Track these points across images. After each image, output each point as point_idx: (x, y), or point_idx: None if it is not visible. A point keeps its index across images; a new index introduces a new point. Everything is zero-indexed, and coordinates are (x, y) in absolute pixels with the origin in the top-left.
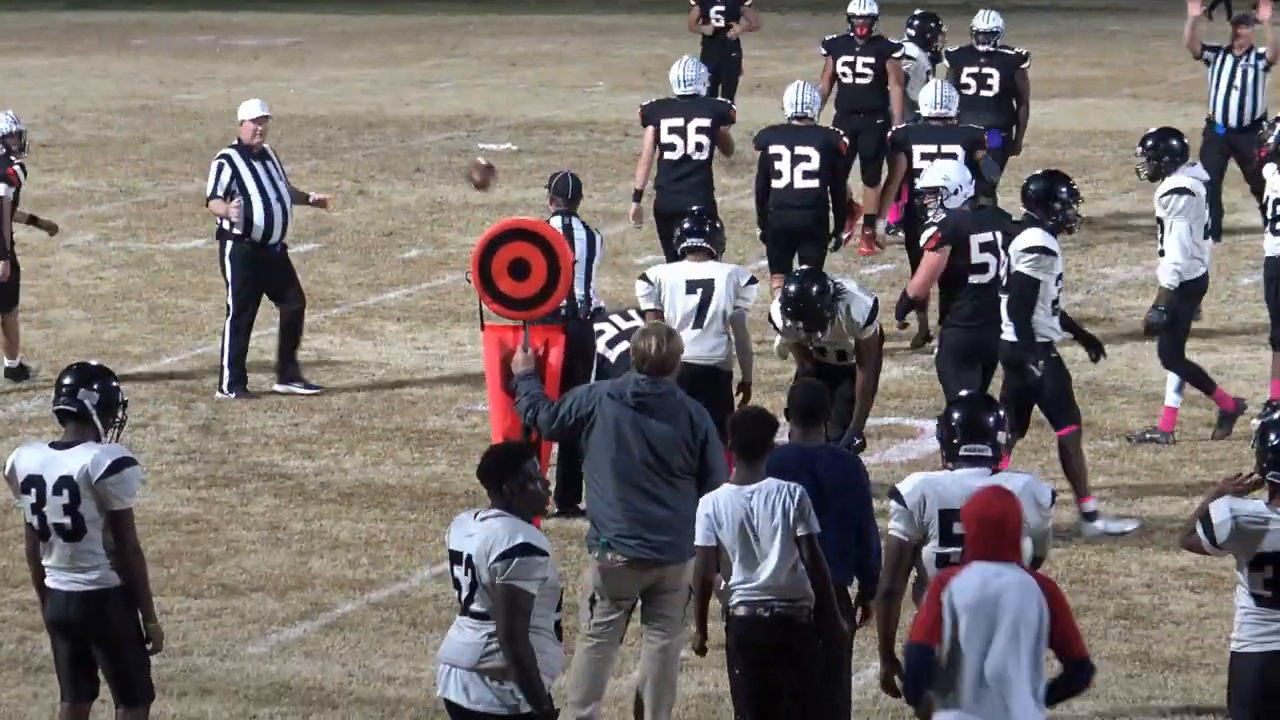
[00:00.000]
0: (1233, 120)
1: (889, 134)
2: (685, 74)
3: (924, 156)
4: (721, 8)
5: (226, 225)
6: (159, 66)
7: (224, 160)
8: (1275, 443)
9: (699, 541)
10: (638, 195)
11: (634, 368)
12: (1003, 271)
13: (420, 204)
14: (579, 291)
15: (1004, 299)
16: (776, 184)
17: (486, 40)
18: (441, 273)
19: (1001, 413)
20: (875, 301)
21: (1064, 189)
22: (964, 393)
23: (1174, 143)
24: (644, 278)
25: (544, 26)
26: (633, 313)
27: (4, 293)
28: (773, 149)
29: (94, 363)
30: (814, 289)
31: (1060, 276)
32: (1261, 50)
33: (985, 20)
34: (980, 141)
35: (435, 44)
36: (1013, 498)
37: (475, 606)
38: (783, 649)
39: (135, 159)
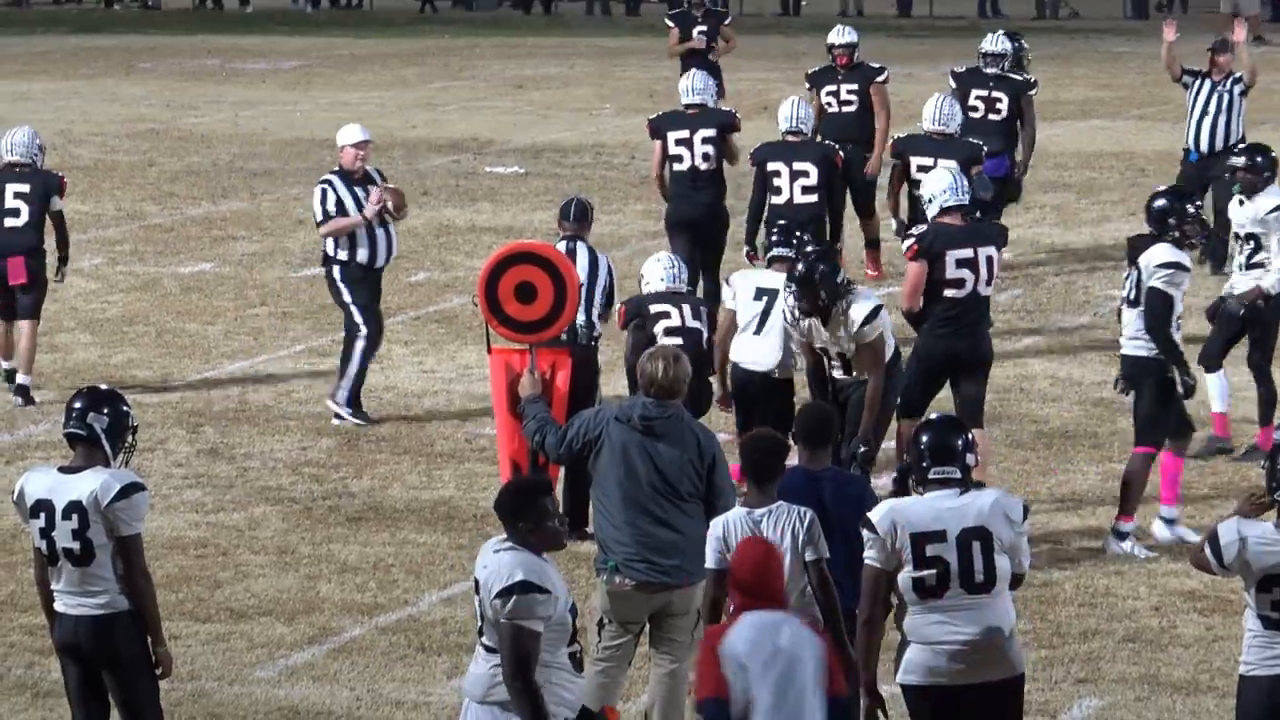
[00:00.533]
0: (1204, 145)
1: (889, 143)
2: (693, 84)
3: (920, 169)
4: (704, 28)
5: (331, 250)
6: (166, 90)
7: (326, 185)
8: None
9: (709, 564)
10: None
11: (641, 391)
12: (982, 287)
13: (427, 227)
14: (579, 317)
15: (1130, 313)
16: (775, 200)
17: (493, 63)
18: (449, 296)
19: (970, 435)
20: (879, 307)
21: (1184, 205)
22: (932, 415)
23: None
24: (727, 281)
25: (550, 50)
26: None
27: (38, 301)
28: (770, 165)
29: (104, 387)
30: (821, 268)
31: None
32: (1239, 74)
33: (993, 43)
34: (977, 158)
35: (442, 67)
36: (770, 547)
37: (485, 639)
38: None
39: (142, 183)
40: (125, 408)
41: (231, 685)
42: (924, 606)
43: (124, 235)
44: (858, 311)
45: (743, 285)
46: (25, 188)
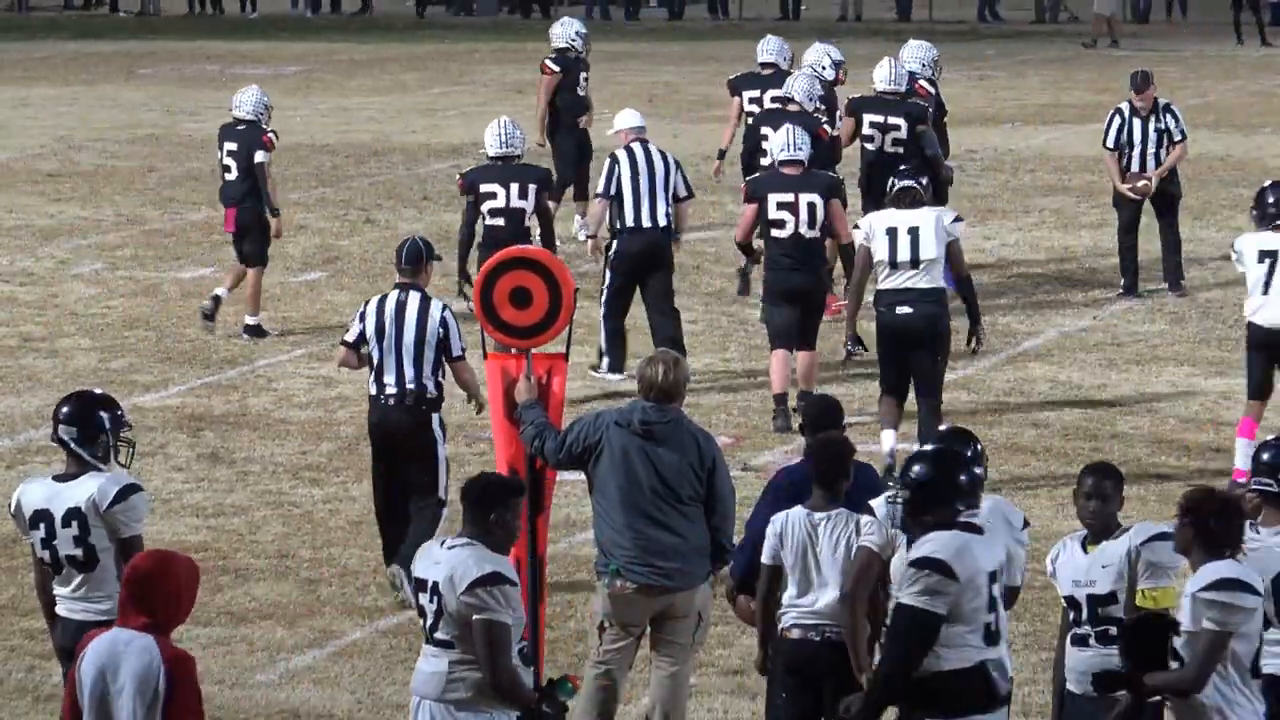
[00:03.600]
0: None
1: (848, 101)
2: (768, 47)
3: (872, 125)
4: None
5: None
6: (166, 96)
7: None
8: (1265, 457)
9: (764, 560)
10: (722, 154)
11: (640, 395)
12: (804, 229)
13: (427, 232)
14: (409, 372)
15: None
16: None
17: (492, 68)
18: (448, 300)
19: (979, 447)
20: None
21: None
22: (943, 428)
23: None
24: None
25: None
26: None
27: (258, 249)
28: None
29: (95, 391)
30: None
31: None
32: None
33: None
34: (922, 117)
35: (441, 72)
36: (167, 560)
37: (439, 634)
38: (833, 674)
39: (142, 188)
40: (103, 412)
41: (232, 689)
42: None
43: (124, 240)
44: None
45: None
46: (235, 145)
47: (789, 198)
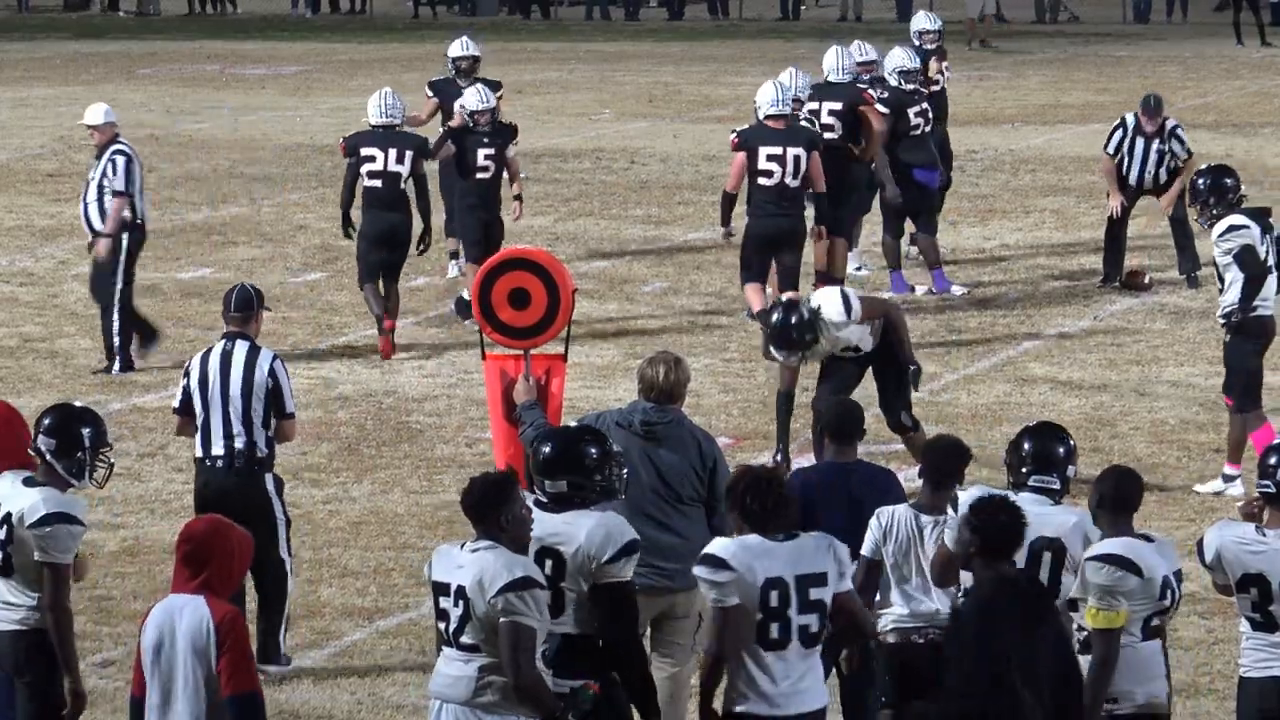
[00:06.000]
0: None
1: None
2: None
3: (810, 111)
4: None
5: None
6: (166, 96)
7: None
8: (1271, 461)
9: (864, 552)
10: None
11: (640, 396)
12: (789, 179)
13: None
14: (236, 429)
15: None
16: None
17: (492, 69)
18: (448, 301)
19: (1072, 443)
20: (846, 298)
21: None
22: (1033, 422)
23: None
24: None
25: (549, 55)
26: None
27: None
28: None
29: (79, 405)
30: (793, 320)
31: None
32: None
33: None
34: (859, 100)
35: (442, 72)
36: (221, 524)
37: (465, 639)
38: (936, 678)
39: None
40: (85, 429)
41: None
42: None
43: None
44: (834, 314)
45: None
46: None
47: (777, 150)
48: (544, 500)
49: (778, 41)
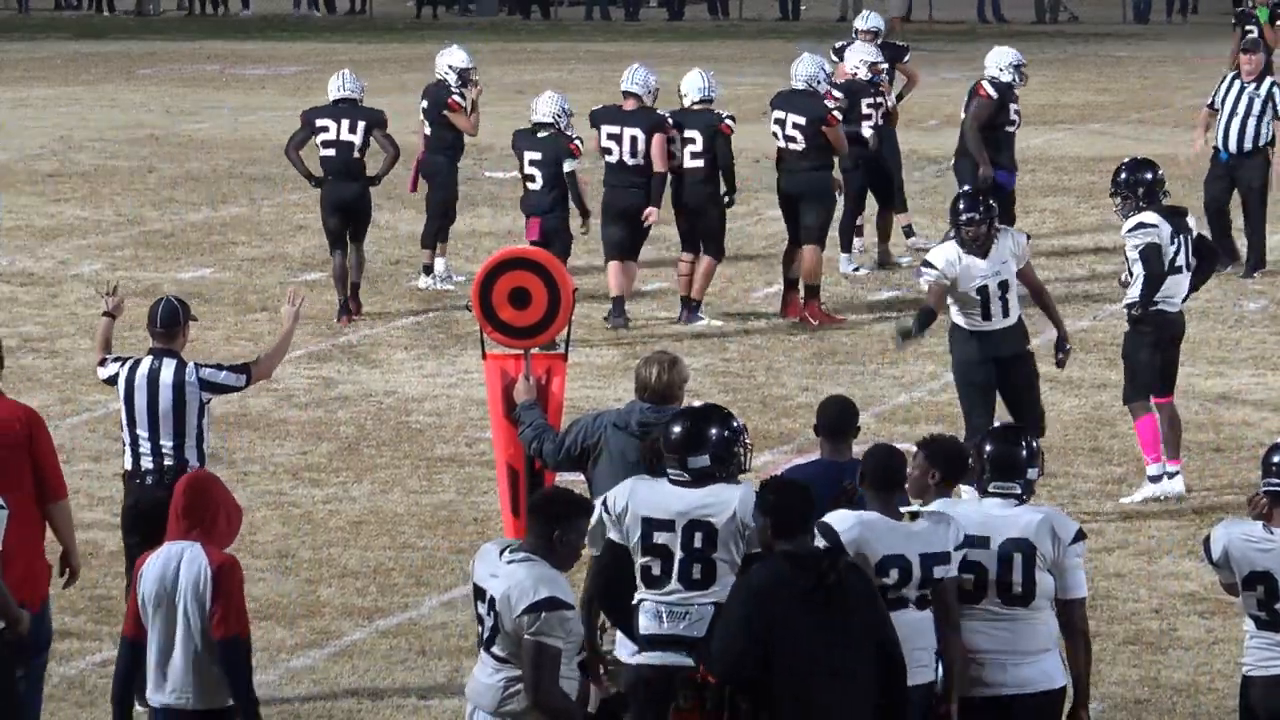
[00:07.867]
0: (1233, 146)
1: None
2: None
3: (777, 121)
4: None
5: None
6: (166, 96)
7: None
8: (1275, 460)
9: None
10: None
11: (636, 396)
12: (626, 158)
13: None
14: (166, 445)
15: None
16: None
17: (493, 69)
18: (448, 300)
19: (1035, 445)
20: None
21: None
22: (995, 425)
23: None
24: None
25: (550, 54)
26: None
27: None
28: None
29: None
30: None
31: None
32: (1274, 80)
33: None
34: (821, 117)
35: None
36: (213, 480)
37: (495, 649)
38: None
39: (142, 188)
40: None
41: None
42: (962, 611)
43: (124, 241)
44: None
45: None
46: (539, 154)
47: (616, 130)
48: (683, 478)
49: (777, 41)
